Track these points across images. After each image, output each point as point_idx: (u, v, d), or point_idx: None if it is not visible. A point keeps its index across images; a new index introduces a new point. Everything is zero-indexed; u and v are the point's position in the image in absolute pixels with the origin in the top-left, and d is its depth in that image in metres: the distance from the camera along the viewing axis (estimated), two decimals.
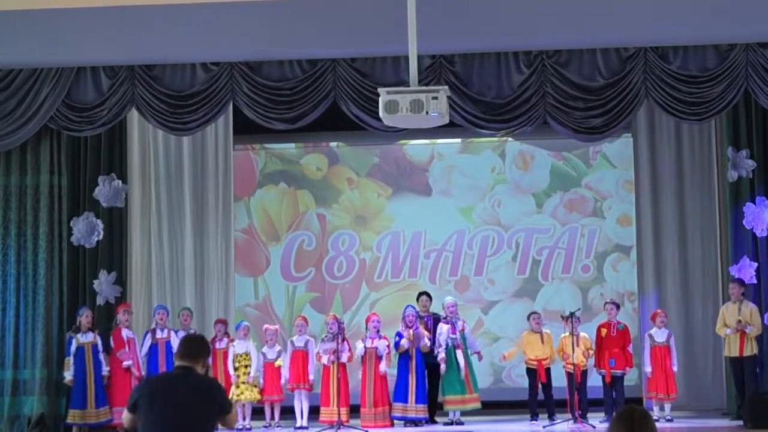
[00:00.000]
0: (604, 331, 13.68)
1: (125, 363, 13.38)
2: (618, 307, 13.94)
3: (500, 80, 13.24)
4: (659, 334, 13.69)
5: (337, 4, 11.25)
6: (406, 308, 13.75)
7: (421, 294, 14.30)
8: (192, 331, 13.01)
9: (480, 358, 13.93)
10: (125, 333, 13.58)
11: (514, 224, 15.91)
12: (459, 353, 13.53)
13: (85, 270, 14.44)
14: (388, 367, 13.55)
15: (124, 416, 5.84)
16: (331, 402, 13.30)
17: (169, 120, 13.45)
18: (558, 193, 15.92)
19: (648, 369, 13.66)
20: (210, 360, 5.90)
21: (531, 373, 13.82)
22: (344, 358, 13.36)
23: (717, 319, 13.75)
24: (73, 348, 13.38)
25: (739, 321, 13.33)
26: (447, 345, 13.52)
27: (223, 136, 15.21)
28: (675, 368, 13.61)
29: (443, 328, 13.61)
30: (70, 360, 13.36)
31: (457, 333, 13.58)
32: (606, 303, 14.06)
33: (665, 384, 13.53)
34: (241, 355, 13.56)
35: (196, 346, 5.93)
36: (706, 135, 15.04)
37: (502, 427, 13.63)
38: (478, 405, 13.69)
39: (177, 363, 5.88)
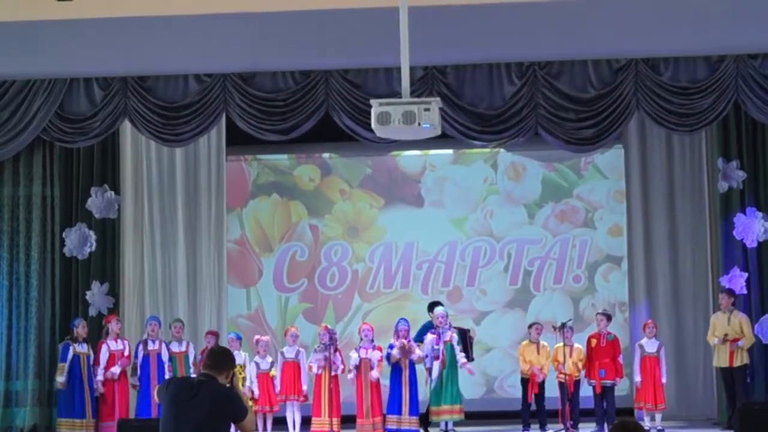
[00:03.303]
0: (594, 341, 13.73)
1: (96, 380, 13.43)
2: (609, 318, 13.95)
3: (492, 91, 13.29)
4: (649, 345, 13.73)
5: (329, 16, 11.29)
6: (398, 322, 13.73)
7: (434, 304, 14.24)
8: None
9: (469, 371, 13.92)
10: (111, 345, 13.58)
11: (506, 235, 15.92)
12: (436, 364, 13.53)
13: (78, 281, 14.46)
14: (380, 373, 13.53)
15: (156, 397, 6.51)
16: (322, 412, 13.32)
17: (161, 131, 13.47)
18: (549, 204, 15.95)
19: (638, 379, 13.71)
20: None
21: (525, 383, 13.84)
22: (338, 370, 13.38)
23: (708, 329, 13.81)
24: (69, 356, 13.39)
25: (726, 335, 13.40)
26: (428, 355, 13.57)
27: (216, 147, 15.24)
28: (664, 379, 13.64)
29: (428, 339, 13.66)
30: (65, 366, 13.36)
31: (441, 344, 13.59)
32: (597, 314, 14.10)
33: (654, 394, 13.56)
34: (237, 367, 13.56)
35: (219, 359, 6.33)
36: (696, 146, 15.10)
37: None
38: (456, 417, 13.66)
39: (202, 371, 6.30)
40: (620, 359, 13.78)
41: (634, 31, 12.11)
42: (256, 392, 13.57)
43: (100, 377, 13.47)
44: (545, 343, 13.88)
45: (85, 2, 11.09)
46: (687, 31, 12.20)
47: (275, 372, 13.75)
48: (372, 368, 13.47)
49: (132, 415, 13.50)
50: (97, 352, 13.55)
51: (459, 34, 11.96)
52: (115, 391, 13.51)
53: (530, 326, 14.12)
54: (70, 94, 13.51)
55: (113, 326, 13.68)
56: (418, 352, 13.53)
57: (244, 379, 13.57)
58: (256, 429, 13.58)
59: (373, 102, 9.96)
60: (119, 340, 13.70)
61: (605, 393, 13.58)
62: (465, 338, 14.13)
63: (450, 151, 15.96)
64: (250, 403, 13.40)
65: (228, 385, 6.24)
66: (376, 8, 10.84)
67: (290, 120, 13.32)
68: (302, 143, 14.98)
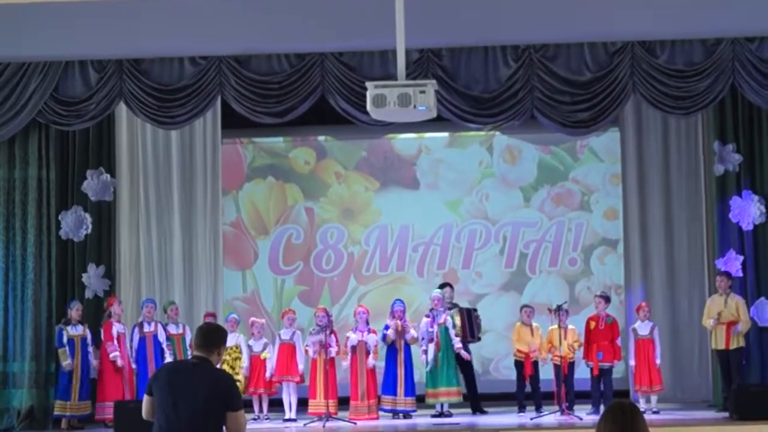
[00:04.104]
0: (593, 324, 13.75)
1: (112, 355, 13.40)
2: (607, 300, 13.93)
3: (488, 74, 13.26)
4: (642, 327, 13.76)
5: None
6: (394, 302, 13.79)
7: (443, 285, 14.29)
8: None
9: (467, 356, 13.98)
10: (116, 327, 13.62)
11: (501, 218, 15.95)
12: (431, 347, 13.56)
13: (74, 263, 14.46)
14: (375, 360, 13.59)
15: (144, 400, 6.15)
16: (318, 394, 13.36)
17: (157, 114, 13.45)
18: (545, 187, 15.96)
19: (632, 362, 13.75)
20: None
21: (519, 365, 13.88)
22: (332, 352, 13.41)
23: (703, 312, 13.84)
24: (63, 340, 13.41)
25: (719, 314, 13.42)
26: (424, 338, 13.60)
27: (211, 129, 15.23)
28: (658, 360, 13.66)
29: (423, 321, 13.71)
30: (65, 350, 13.37)
31: (435, 327, 13.62)
32: (595, 296, 14.10)
33: (649, 376, 13.60)
34: (230, 348, 13.61)
35: (212, 336, 6.18)
36: (692, 129, 15.10)
37: (490, 419, 13.65)
38: (453, 399, 13.72)
39: (194, 353, 6.16)
40: (618, 342, 13.79)
41: (630, 14, 12.08)
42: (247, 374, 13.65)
43: (116, 351, 13.42)
44: (537, 325, 13.91)
45: None
46: (683, 14, 12.17)
47: (267, 354, 13.79)
48: (368, 351, 13.50)
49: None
50: (107, 330, 13.52)
51: (454, 17, 11.94)
52: (124, 370, 13.55)
53: (521, 309, 14.14)
54: (66, 76, 13.47)
55: (115, 308, 13.70)
56: (412, 332, 13.58)
57: (235, 360, 13.64)
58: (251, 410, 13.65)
59: (368, 84, 9.96)
60: (120, 323, 13.75)
61: (603, 375, 13.59)
62: (471, 318, 14.17)
63: (445, 134, 15.97)
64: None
65: (221, 366, 6.18)
66: None
67: (285, 103, 13.30)
68: (297, 126, 14.98)
